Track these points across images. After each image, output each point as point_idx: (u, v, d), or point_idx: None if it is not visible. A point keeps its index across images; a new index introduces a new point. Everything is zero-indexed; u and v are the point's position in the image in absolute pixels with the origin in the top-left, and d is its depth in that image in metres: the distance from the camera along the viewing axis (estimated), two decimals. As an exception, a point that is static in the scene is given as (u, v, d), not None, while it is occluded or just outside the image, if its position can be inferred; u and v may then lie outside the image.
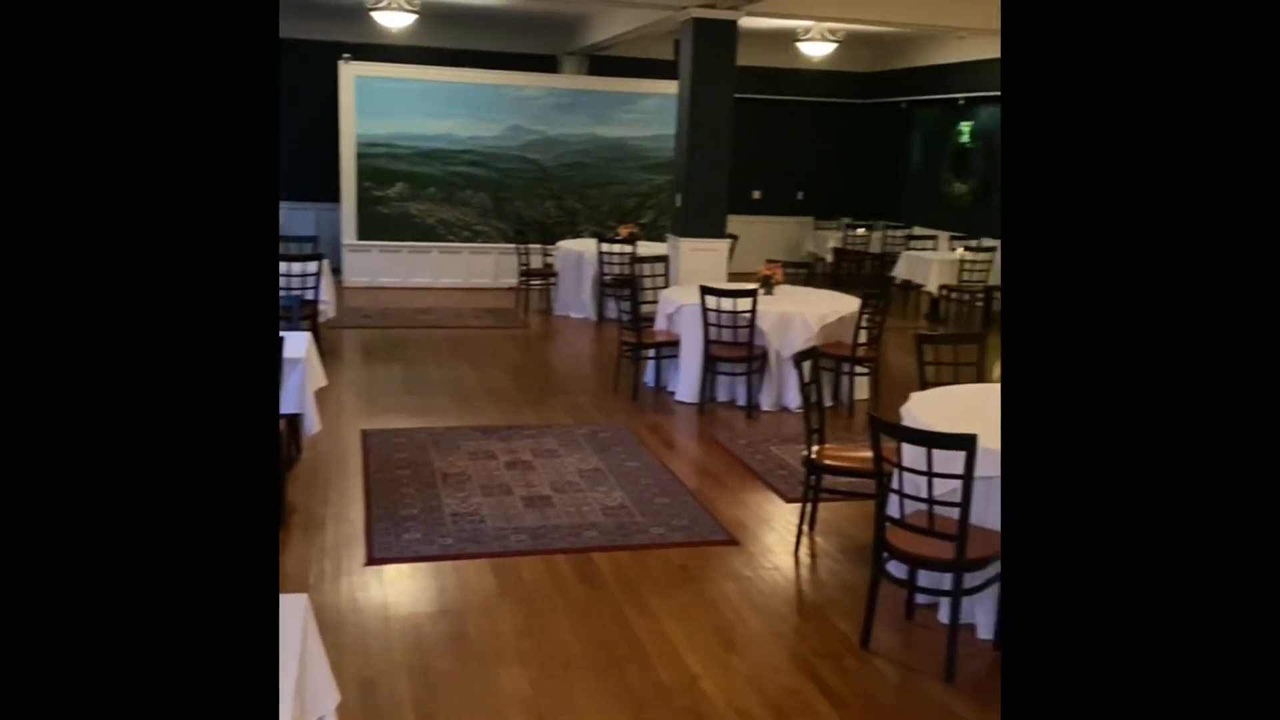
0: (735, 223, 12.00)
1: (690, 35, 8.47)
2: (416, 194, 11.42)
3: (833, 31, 10.91)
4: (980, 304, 10.55)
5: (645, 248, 9.77)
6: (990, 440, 3.50)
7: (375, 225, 11.30)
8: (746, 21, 8.75)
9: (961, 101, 12.23)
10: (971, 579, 3.40)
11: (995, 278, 10.35)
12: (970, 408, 4.15)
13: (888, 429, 3.45)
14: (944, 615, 3.64)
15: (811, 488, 4.49)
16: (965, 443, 3.21)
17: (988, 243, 10.87)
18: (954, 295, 10.45)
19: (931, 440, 3.30)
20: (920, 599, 3.80)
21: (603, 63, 12.66)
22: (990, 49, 11.28)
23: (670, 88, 10.24)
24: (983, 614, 3.61)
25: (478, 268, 11.68)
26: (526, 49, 12.56)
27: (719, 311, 6.42)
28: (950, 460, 3.28)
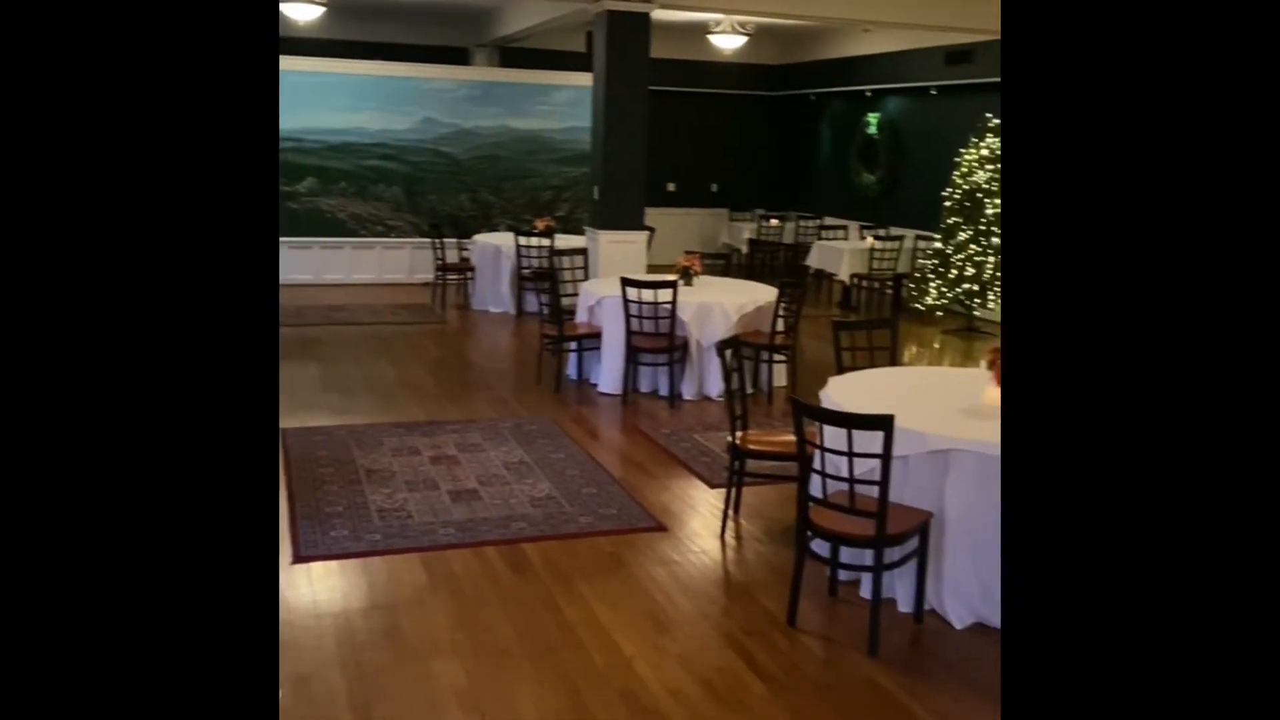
0: (651, 215, 12.08)
1: (604, 28, 8.51)
2: (327, 189, 11.22)
3: (742, 24, 11.07)
4: (890, 291, 10.85)
5: (563, 240, 9.78)
6: (905, 420, 3.64)
7: (285, 222, 11.06)
8: (659, 14, 8.82)
9: (868, 94, 12.52)
10: (891, 554, 3.53)
11: (904, 265, 10.65)
12: (885, 389, 4.30)
13: (810, 412, 3.56)
14: (866, 591, 3.77)
15: (736, 473, 4.59)
16: (883, 423, 3.33)
17: (896, 231, 11.17)
18: (865, 283, 10.72)
19: (851, 421, 3.42)
20: (843, 575, 3.92)
21: (514, 55, 12.61)
22: (895, 42, 11.58)
23: (584, 80, 10.27)
24: (902, 588, 3.75)
25: (392, 263, 11.54)
26: (437, 41, 12.43)
27: (640, 303, 6.48)
28: (869, 440, 3.40)
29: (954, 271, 9.36)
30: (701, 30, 11.65)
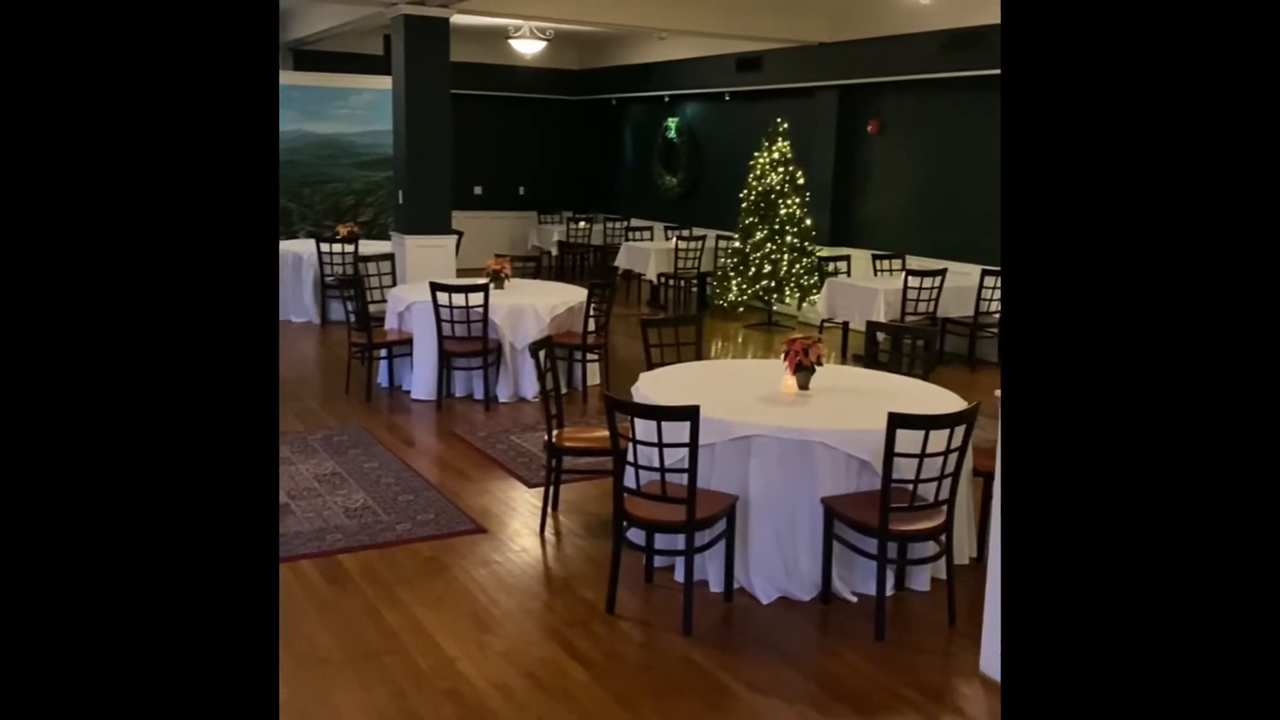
0: (459, 219, 12.00)
1: (401, 31, 8.41)
2: (107, 196, 10.50)
3: (542, 30, 11.18)
4: (695, 289, 11.25)
5: (368, 246, 9.59)
6: (710, 410, 3.85)
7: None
8: (458, 18, 8.80)
9: (667, 99, 12.92)
10: (701, 537, 3.73)
11: (707, 264, 11.07)
12: (692, 382, 4.52)
13: (621, 407, 3.71)
14: (680, 574, 3.96)
15: (553, 471, 4.69)
16: (689, 413, 3.52)
17: (698, 232, 11.58)
18: (672, 282, 11.06)
19: (660, 413, 3.59)
20: (658, 562, 4.10)
21: (309, 57, 12.22)
22: (689, 49, 12.00)
23: (384, 83, 10.08)
24: (713, 570, 3.96)
25: (184, 274, 10.93)
26: (224, 41, 11.86)
27: (451, 307, 6.47)
28: (678, 430, 3.58)
29: (753, 269, 9.82)
30: (502, 35, 11.68)
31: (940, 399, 4.29)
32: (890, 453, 3.50)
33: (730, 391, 4.39)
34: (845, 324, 8.77)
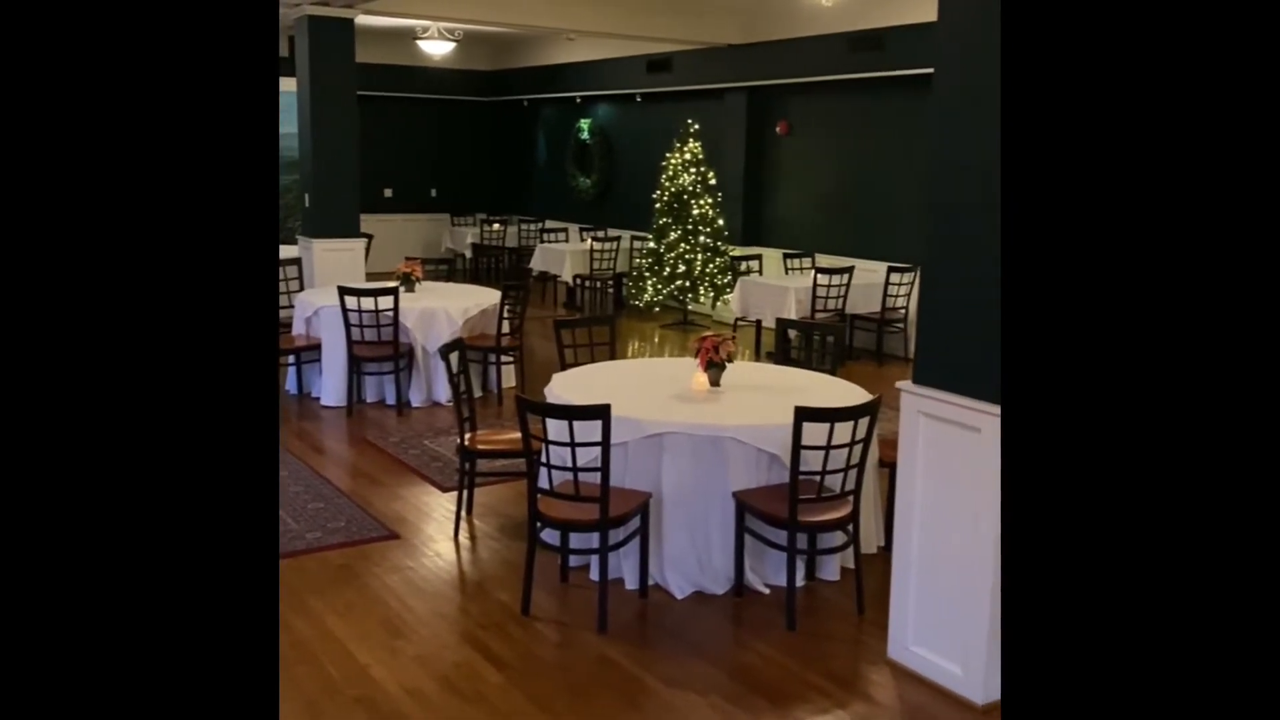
0: (369, 222, 11.82)
1: (305, 32, 8.25)
2: None
3: (450, 30, 11.08)
4: (611, 290, 11.27)
5: (275, 251, 9.36)
6: (623, 409, 3.87)
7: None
8: (364, 19, 8.67)
9: (579, 100, 12.92)
10: (615, 535, 3.75)
11: (622, 265, 11.11)
12: (606, 382, 4.53)
13: (533, 408, 3.70)
14: (595, 573, 3.97)
15: (466, 474, 4.65)
16: (601, 412, 3.53)
17: (613, 233, 11.61)
18: (587, 283, 11.07)
19: (571, 413, 3.60)
20: (573, 561, 4.10)
21: (210, 57, 11.87)
22: (600, 51, 12.02)
23: (288, 84, 9.87)
24: (628, 567, 3.98)
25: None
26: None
27: (360, 311, 6.37)
28: (590, 430, 3.59)
29: (667, 269, 9.89)
30: (410, 36, 11.53)
31: (847, 393, 4.39)
32: (797, 445, 3.57)
33: (643, 390, 4.42)
34: (758, 322, 8.89)
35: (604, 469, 3.55)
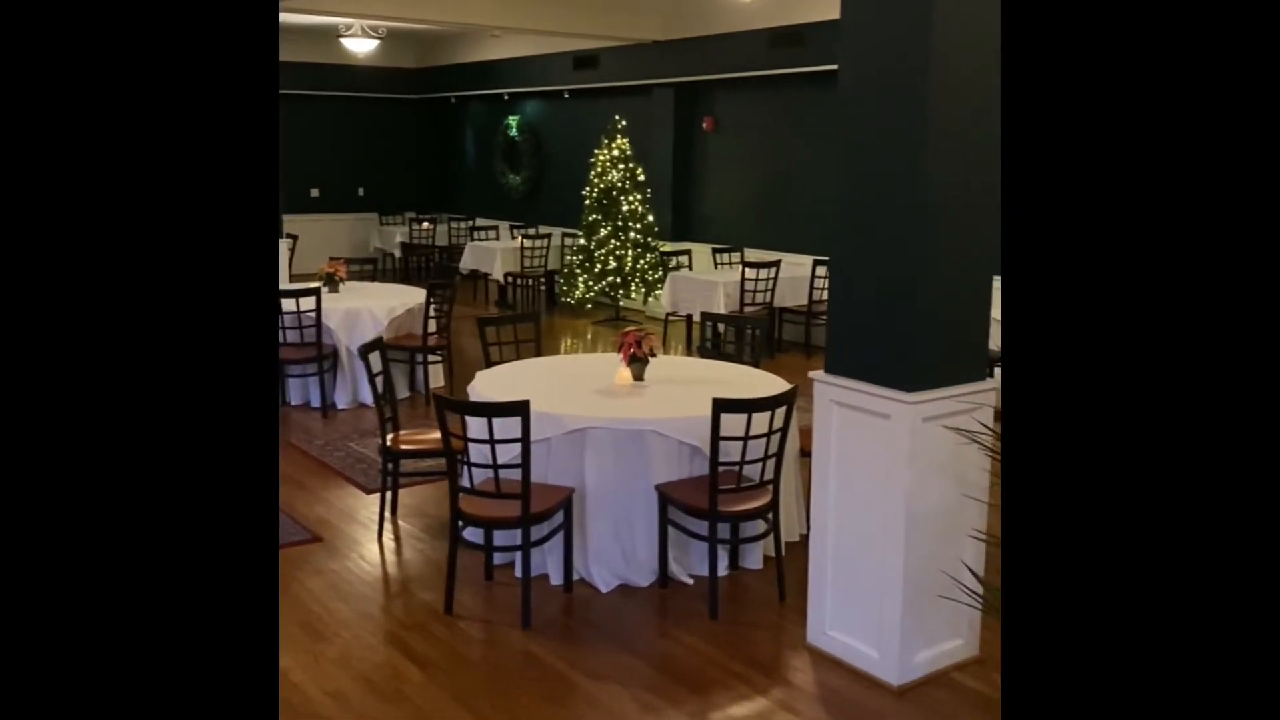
0: (296, 222, 11.63)
1: (222, 28, 8.08)
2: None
3: (374, 28, 10.95)
4: (543, 287, 11.25)
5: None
6: (545, 405, 3.88)
7: None
8: (286, 16, 8.52)
9: (506, 97, 12.86)
10: (538, 531, 3.75)
11: (554, 262, 11.09)
12: (529, 379, 4.53)
13: (451, 406, 3.69)
14: (520, 570, 3.97)
15: (390, 475, 4.62)
16: (519, 409, 3.53)
17: (544, 230, 11.59)
18: (519, 281, 11.03)
19: (490, 410, 3.60)
20: (498, 559, 4.10)
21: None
22: (527, 47, 11.98)
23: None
24: (553, 563, 3.99)
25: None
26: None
27: (283, 313, 6.28)
28: (511, 427, 3.59)
29: (598, 266, 9.90)
30: (333, 34, 11.37)
31: (769, 384, 4.45)
32: (716, 436, 3.61)
33: (567, 386, 4.43)
34: (689, 316, 8.95)
35: (524, 465, 3.56)
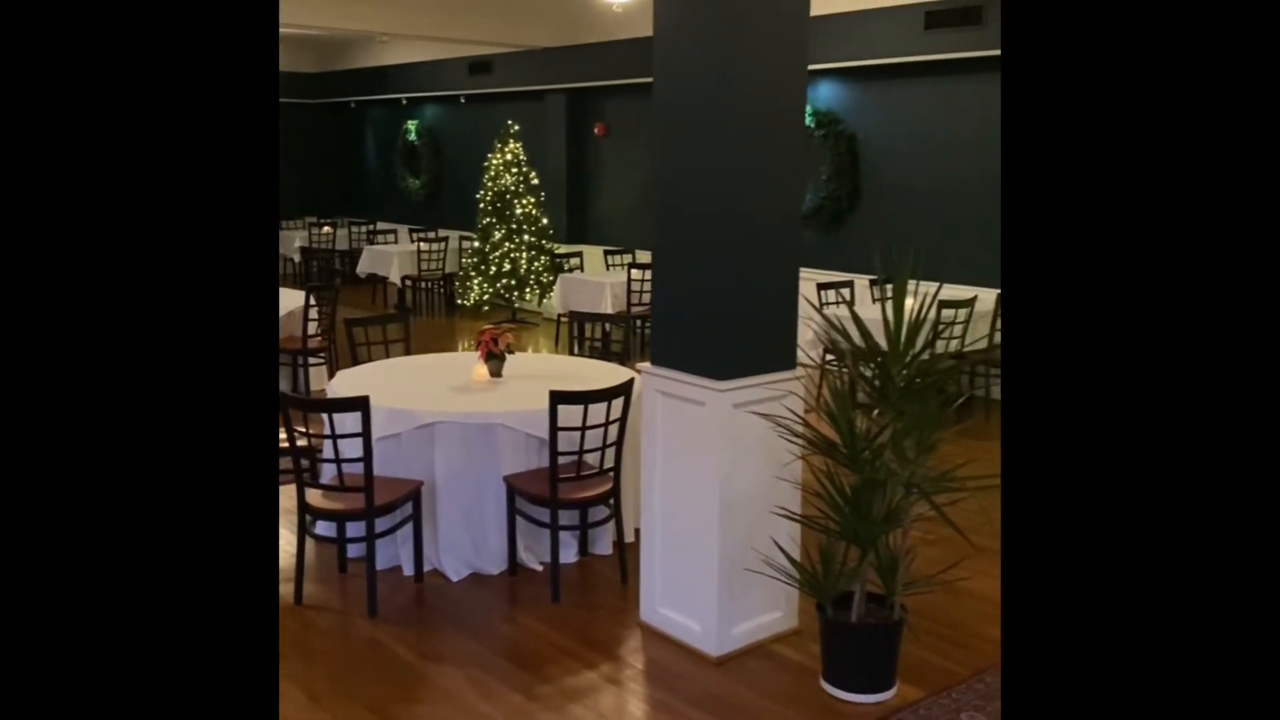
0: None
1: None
2: None
3: (267, 32, 10.89)
4: (441, 290, 11.31)
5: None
6: (396, 401, 4.00)
7: None
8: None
9: (405, 101, 12.88)
10: (385, 523, 3.88)
11: (452, 265, 11.17)
12: (390, 376, 4.64)
13: (295, 404, 3.80)
14: (376, 561, 4.09)
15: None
16: (359, 404, 3.66)
17: (443, 233, 11.65)
18: (419, 284, 11.08)
19: (329, 406, 3.71)
20: (353, 552, 4.20)
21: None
22: (424, 52, 12.03)
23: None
24: (405, 555, 4.12)
25: None
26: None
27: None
28: (357, 422, 3.71)
29: (493, 268, 10.02)
30: (224, 36, 11.27)
31: (620, 377, 4.63)
32: (554, 428, 3.78)
33: (424, 383, 4.55)
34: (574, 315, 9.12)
35: (366, 459, 3.68)
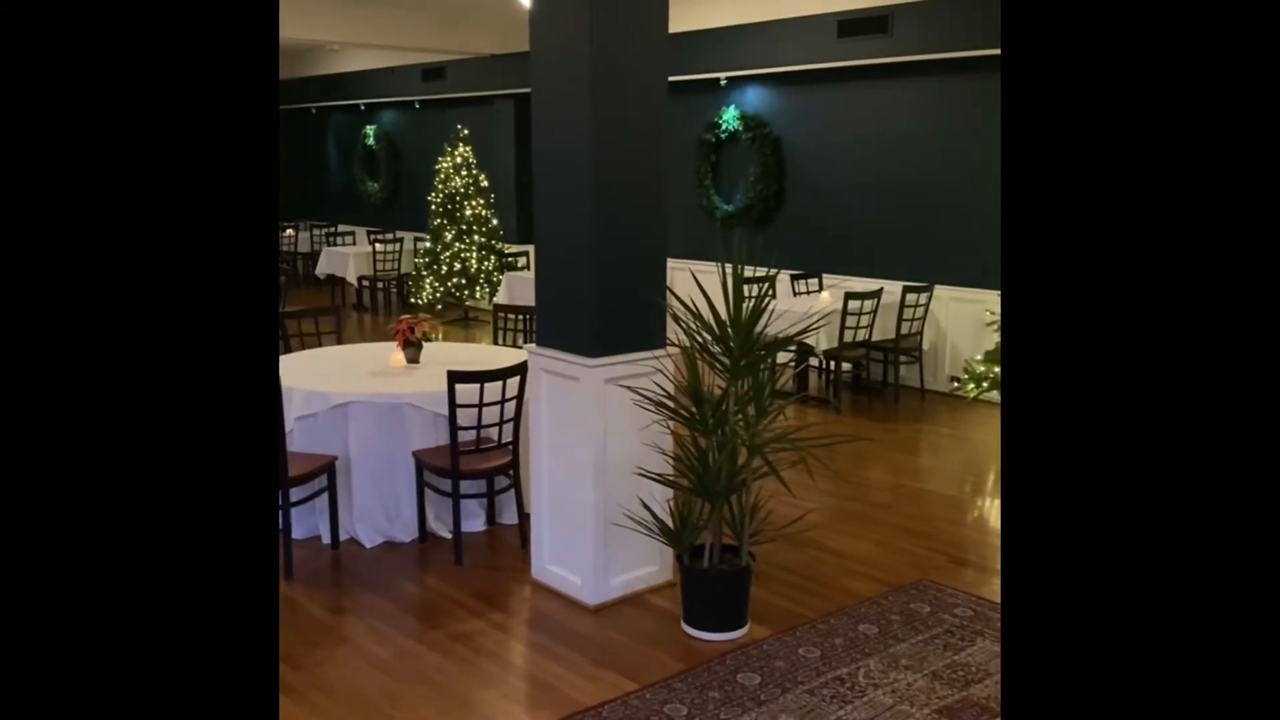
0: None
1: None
2: None
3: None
4: (396, 290, 11.66)
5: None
6: (315, 384, 4.36)
7: None
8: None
9: (364, 107, 13.23)
10: (298, 493, 4.24)
11: (406, 265, 11.52)
12: (314, 364, 5.00)
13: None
14: (295, 531, 4.45)
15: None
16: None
17: (400, 234, 12.00)
18: (375, 284, 11.42)
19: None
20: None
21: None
22: (380, 60, 12.37)
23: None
24: (323, 525, 4.48)
25: None
26: None
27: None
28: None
29: (444, 268, 10.38)
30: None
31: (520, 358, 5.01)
32: (453, 404, 4.16)
33: (345, 368, 4.92)
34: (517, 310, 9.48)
35: (280, 436, 4.04)
